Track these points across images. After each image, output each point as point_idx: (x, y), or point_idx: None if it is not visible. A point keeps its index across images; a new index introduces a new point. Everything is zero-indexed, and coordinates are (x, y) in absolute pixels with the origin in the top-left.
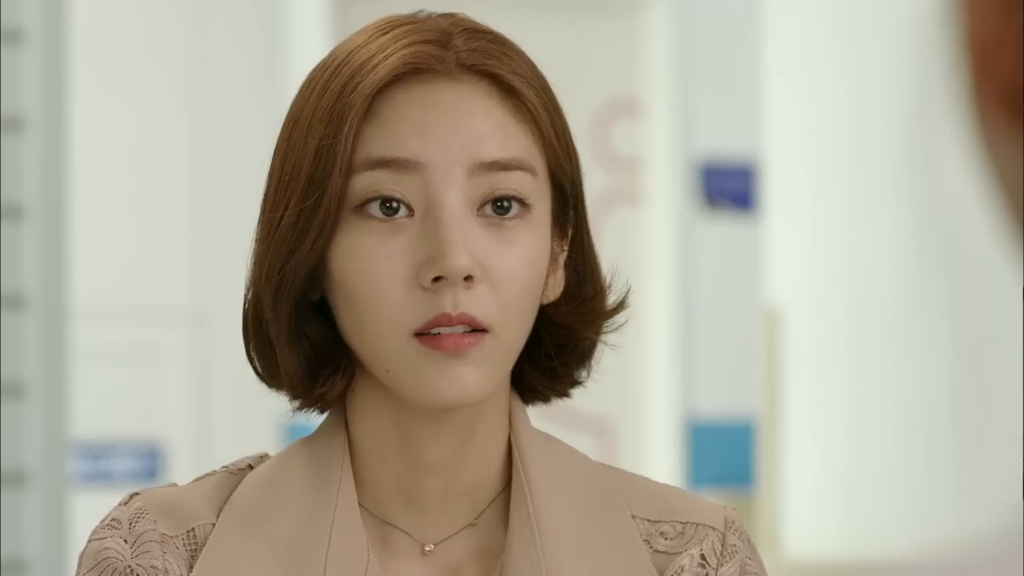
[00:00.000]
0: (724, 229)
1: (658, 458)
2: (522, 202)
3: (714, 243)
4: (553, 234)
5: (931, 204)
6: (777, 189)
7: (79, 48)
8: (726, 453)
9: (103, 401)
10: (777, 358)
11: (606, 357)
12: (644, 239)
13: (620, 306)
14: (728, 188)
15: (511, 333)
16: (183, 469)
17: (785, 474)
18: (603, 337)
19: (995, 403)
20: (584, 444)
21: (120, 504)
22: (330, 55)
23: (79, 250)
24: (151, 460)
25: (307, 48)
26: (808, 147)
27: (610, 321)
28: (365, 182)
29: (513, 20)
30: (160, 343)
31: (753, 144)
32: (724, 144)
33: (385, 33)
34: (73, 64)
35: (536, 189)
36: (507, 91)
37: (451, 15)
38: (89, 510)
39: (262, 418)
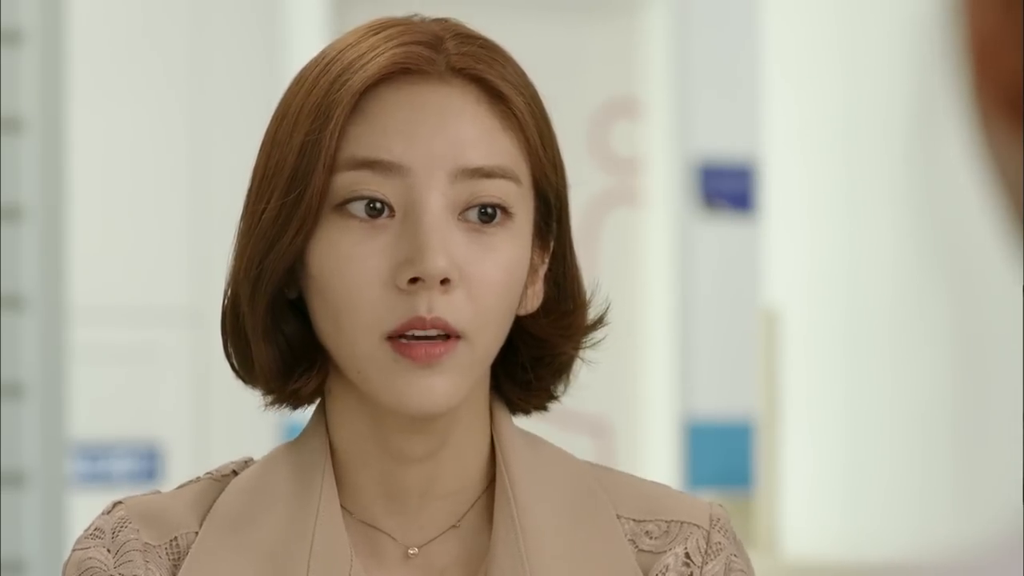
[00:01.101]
0: (722, 230)
1: (656, 459)
2: (504, 210)
3: (712, 244)
4: (534, 245)
5: (930, 205)
6: (775, 190)
7: (78, 48)
8: (724, 454)
9: (102, 402)
10: (775, 359)
11: (605, 358)
12: (643, 240)
13: (599, 322)
14: (726, 189)
15: (484, 339)
16: (181, 470)
17: (783, 475)
18: (581, 353)
19: (994, 404)
20: (582, 445)
21: (103, 513)
22: (321, 53)
23: (78, 251)
24: (150, 461)
25: (306, 49)
26: (807, 147)
27: (588, 337)
28: (348, 181)
29: (512, 22)
30: (159, 344)
31: (751, 145)
32: (722, 145)
33: (376, 33)
34: (72, 65)
35: (519, 198)
36: (496, 97)
37: (444, 20)
38: (88, 511)
39: (260, 418)
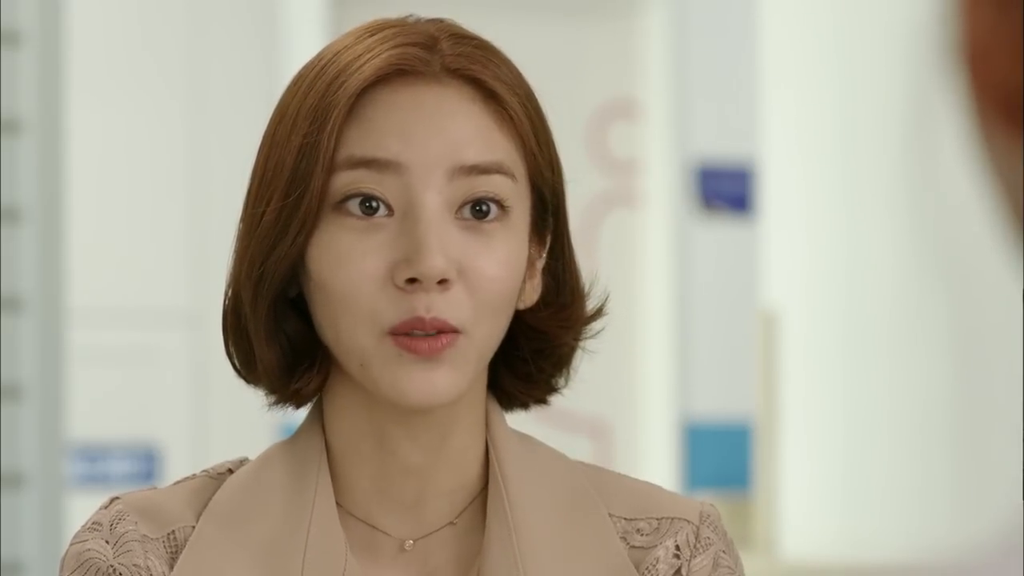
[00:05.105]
0: (721, 231)
1: (655, 460)
2: (500, 204)
3: (711, 245)
4: (531, 239)
5: (927, 206)
6: (773, 191)
7: (76, 50)
8: (723, 455)
9: (100, 403)
10: (774, 360)
11: (604, 359)
12: (641, 241)
13: (598, 313)
14: (724, 190)
15: (484, 333)
16: (180, 471)
17: (782, 476)
18: (582, 343)
19: (992, 405)
20: (581, 446)
21: (101, 508)
22: (318, 54)
23: (76, 252)
24: (148, 462)
25: (303, 50)
26: (804, 149)
27: (588, 328)
28: (346, 180)
29: (511, 22)
30: (157, 345)
31: (749, 147)
32: (720, 147)
33: (373, 35)
34: (70, 66)
35: (515, 193)
36: (490, 96)
37: (439, 20)
38: (86, 512)
39: (258, 420)
